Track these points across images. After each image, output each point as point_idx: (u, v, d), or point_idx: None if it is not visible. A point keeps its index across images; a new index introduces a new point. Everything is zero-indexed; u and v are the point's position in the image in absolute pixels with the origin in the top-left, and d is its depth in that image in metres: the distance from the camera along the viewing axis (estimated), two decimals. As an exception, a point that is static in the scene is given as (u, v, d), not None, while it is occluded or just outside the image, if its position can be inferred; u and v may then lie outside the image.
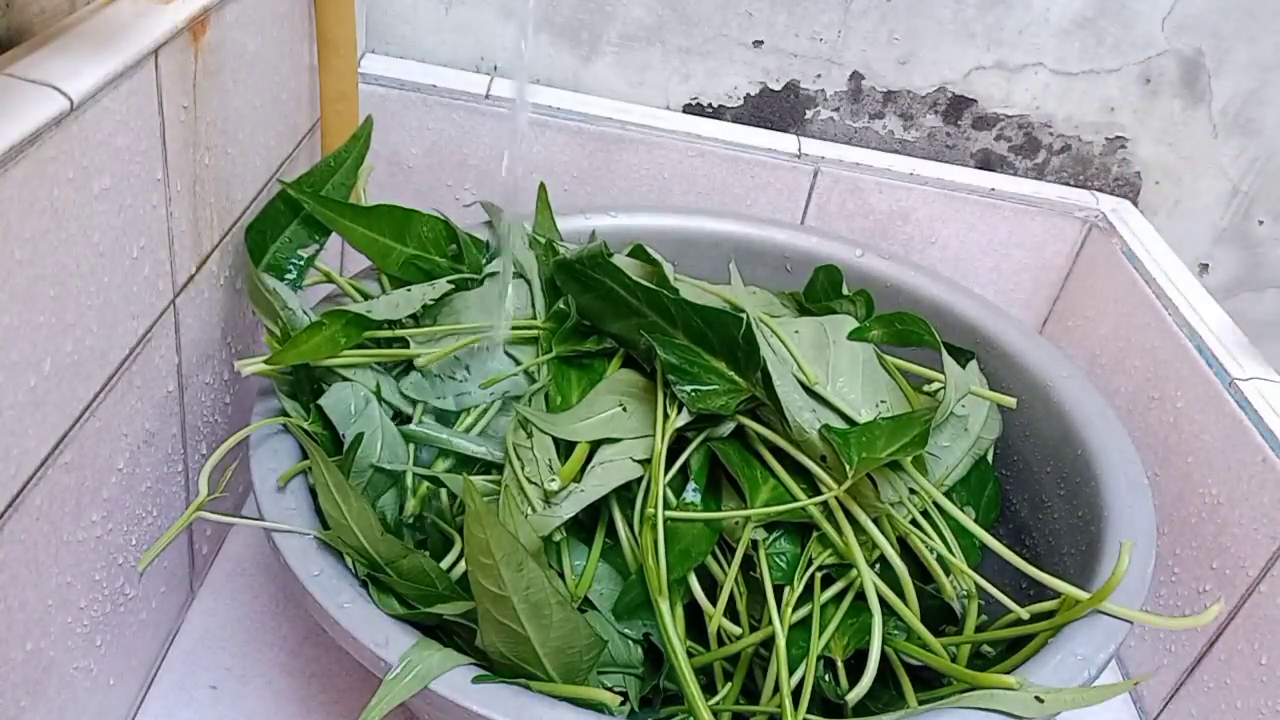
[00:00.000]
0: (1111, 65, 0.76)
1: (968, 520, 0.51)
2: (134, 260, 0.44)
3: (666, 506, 0.49)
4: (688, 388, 0.52)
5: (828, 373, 0.55)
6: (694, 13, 0.75)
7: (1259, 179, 0.80)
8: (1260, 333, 0.66)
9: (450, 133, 0.75)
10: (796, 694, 0.45)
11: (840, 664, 0.48)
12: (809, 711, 0.44)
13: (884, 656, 0.48)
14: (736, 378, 0.53)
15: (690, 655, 0.48)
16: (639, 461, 0.50)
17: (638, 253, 0.61)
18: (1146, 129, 0.78)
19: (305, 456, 0.50)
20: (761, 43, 0.76)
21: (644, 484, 0.50)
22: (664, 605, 0.46)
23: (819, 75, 0.77)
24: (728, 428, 0.52)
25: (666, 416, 0.52)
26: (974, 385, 0.58)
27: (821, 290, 0.65)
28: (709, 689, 0.49)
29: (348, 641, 0.42)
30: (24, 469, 0.38)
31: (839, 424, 0.53)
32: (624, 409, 0.53)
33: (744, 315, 0.52)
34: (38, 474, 0.39)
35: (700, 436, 0.52)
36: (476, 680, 0.41)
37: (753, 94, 0.78)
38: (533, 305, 0.60)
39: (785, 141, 0.77)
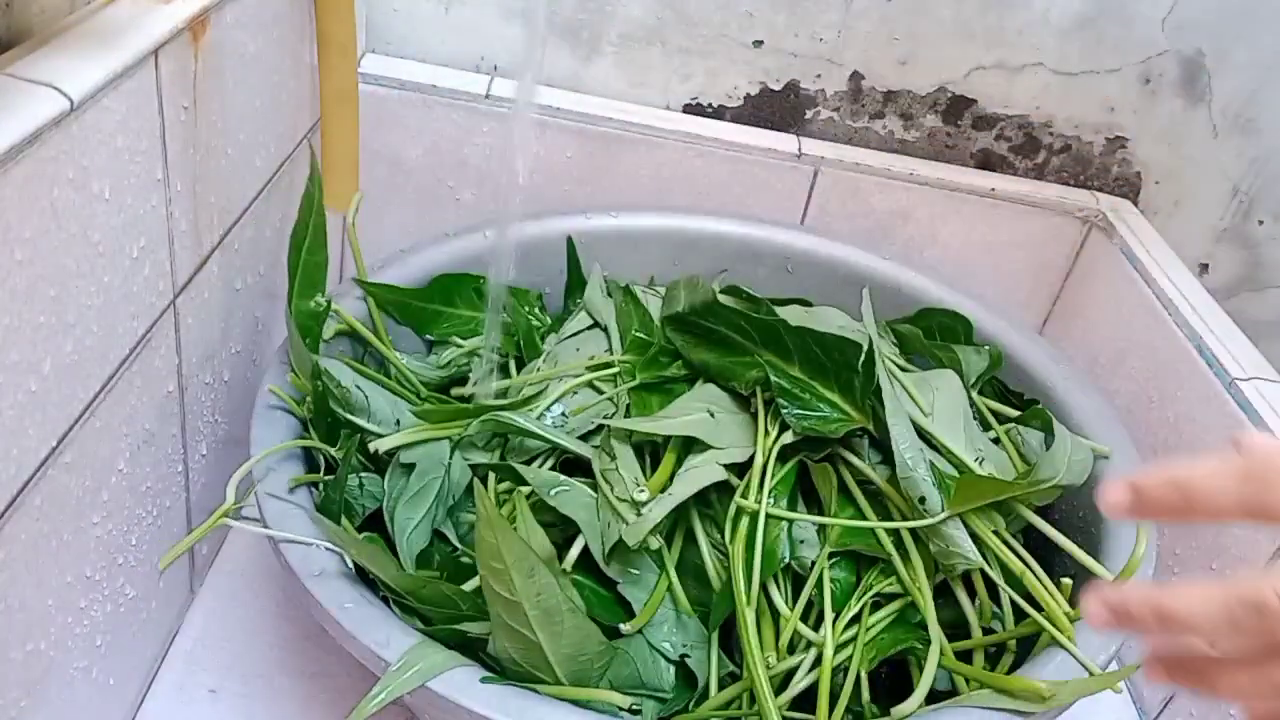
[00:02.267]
0: (1111, 65, 0.76)
1: (1034, 564, 0.50)
2: (134, 260, 0.44)
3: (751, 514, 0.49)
4: (796, 411, 0.52)
5: (933, 415, 0.55)
6: (694, 13, 0.75)
7: (1259, 179, 0.80)
8: (1260, 333, 0.66)
9: (450, 133, 0.75)
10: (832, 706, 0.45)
11: (863, 673, 0.47)
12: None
13: (904, 663, 0.49)
14: (849, 409, 0.53)
15: (728, 680, 0.48)
16: (725, 466, 0.50)
17: (733, 291, 0.61)
18: (1146, 129, 0.78)
19: (310, 465, 0.50)
20: (761, 43, 0.76)
21: (721, 499, 0.50)
22: (749, 614, 0.46)
23: (819, 75, 0.77)
24: (824, 452, 0.53)
25: (767, 433, 0.52)
26: (1074, 450, 0.54)
27: (942, 333, 0.65)
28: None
29: (349, 642, 0.42)
30: (24, 469, 0.38)
31: (941, 463, 0.52)
32: (712, 415, 0.53)
33: (865, 342, 0.52)
34: (38, 474, 0.39)
35: (797, 456, 0.53)
36: (484, 680, 0.41)
37: (753, 94, 0.78)
38: (610, 354, 0.61)
39: (785, 141, 0.77)
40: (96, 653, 0.47)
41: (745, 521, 0.49)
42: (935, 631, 0.47)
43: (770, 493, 0.50)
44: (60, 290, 0.38)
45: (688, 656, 0.47)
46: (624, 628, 0.47)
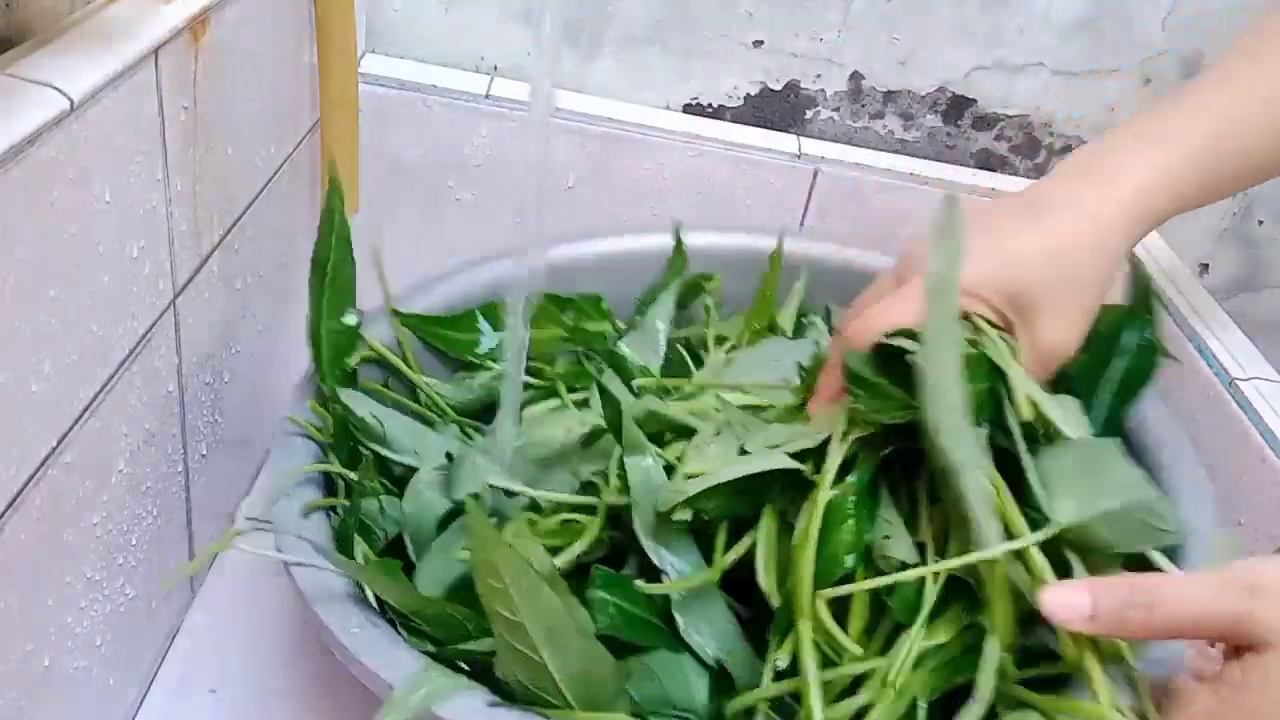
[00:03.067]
0: (1111, 65, 0.76)
1: None
2: (134, 260, 0.44)
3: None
4: (865, 399, 0.44)
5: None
6: (694, 13, 0.75)
7: (1259, 179, 0.80)
8: (1260, 333, 0.66)
9: (450, 133, 0.75)
10: None
11: (921, 702, 0.42)
12: None
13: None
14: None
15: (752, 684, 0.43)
16: (793, 455, 0.44)
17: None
18: (1146, 129, 0.78)
19: (330, 490, 0.50)
20: (761, 43, 0.76)
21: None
22: (805, 627, 0.41)
23: (819, 75, 0.77)
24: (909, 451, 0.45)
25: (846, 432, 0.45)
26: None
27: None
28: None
29: (355, 666, 0.41)
30: (24, 469, 0.38)
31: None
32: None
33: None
34: (38, 474, 0.39)
35: (883, 451, 0.45)
36: (493, 705, 0.40)
37: (753, 94, 0.78)
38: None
39: (785, 141, 0.77)
40: (96, 653, 0.47)
41: (814, 511, 0.43)
42: (1009, 670, 0.40)
43: (850, 486, 0.44)
44: (60, 290, 0.38)
45: (724, 660, 0.44)
46: (673, 595, 0.43)
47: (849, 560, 0.42)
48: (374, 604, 0.45)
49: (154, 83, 0.43)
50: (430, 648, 0.43)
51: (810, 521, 0.42)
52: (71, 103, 0.37)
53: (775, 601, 0.43)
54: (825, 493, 0.43)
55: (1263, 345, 0.62)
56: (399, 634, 0.43)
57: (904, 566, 0.43)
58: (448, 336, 0.60)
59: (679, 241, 0.67)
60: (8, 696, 0.40)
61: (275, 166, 0.61)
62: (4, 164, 0.34)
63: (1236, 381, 0.58)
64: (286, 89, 0.61)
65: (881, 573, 0.43)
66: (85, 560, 0.44)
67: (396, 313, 0.58)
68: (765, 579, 0.43)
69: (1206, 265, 0.84)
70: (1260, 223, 0.82)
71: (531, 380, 0.60)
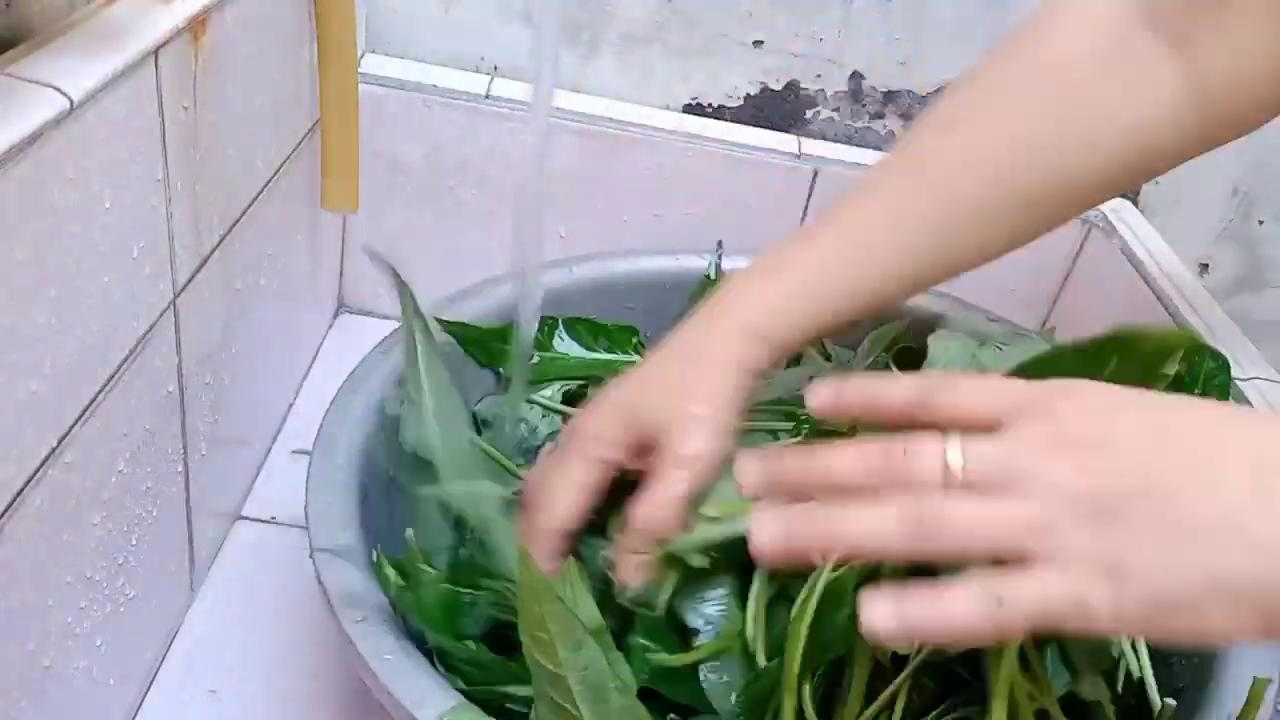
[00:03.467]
0: (1111, 65, 0.76)
1: None
2: (134, 260, 0.44)
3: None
4: None
5: None
6: (694, 13, 0.75)
7: (1259, 179, 0.80)
8: (1260, 333, 0.67)
9: (450, 133, 0.75)
10: None
11: None
12: None
13: None
14: None
15: None
16: None
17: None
18: (1146, 129, 0.78)
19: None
20: (761, 43, 0.76)
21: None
22: (789, 702, 0.41)
23: (819, 75, 0.77)
24: None
25: None
26: None
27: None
28: None
29: (383, 695, 0.40)
30: (24, 469, 0.38)
31: None
32: None
33: None
34: (38, 474, 0.39)
35: None
36: None
37: (753, 94, 0.78)
38: None
39: (785, 141, 0.77)
40: (96, 653, 0.47)
41: (813, 591, 0.43)
42: None
43: (853, 571, 0.43)
44: (60, 290, 0.38)
45: None
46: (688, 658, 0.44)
47: (841, 646, 0.42)
48: (402, 620, 0.44)
49: (154, 83, 0.43)
50: (462, 684, 0.42)
51: (807, 601, 0.42)
52: (71, 103, 0.37)
53: (762, 662, 0.43)
54: (826, 574, 0.43)
55: (1263, 345, 0.62)
56: (434, 666, 0.42)
57: (896, 657, 0.43)
58: (491, 347, 0.58)
59: (712, 273, 0.65)
60: (8, 696, 0.40)
61: (275, 166, 0.61)
62: (4, 164, 0.34)
63: (1236, 381, 0.58)
64: (286, 89, 0.61)
65: (877, 660, 0.44)
66: (85, 560, 0.44)
67: (441, 320, 0.56)
68: (754, 640, 0.44)
69: (1206, 265, 0.84)
70: (1260, 223, 0.82)
71: (569, 411, 0.59)
